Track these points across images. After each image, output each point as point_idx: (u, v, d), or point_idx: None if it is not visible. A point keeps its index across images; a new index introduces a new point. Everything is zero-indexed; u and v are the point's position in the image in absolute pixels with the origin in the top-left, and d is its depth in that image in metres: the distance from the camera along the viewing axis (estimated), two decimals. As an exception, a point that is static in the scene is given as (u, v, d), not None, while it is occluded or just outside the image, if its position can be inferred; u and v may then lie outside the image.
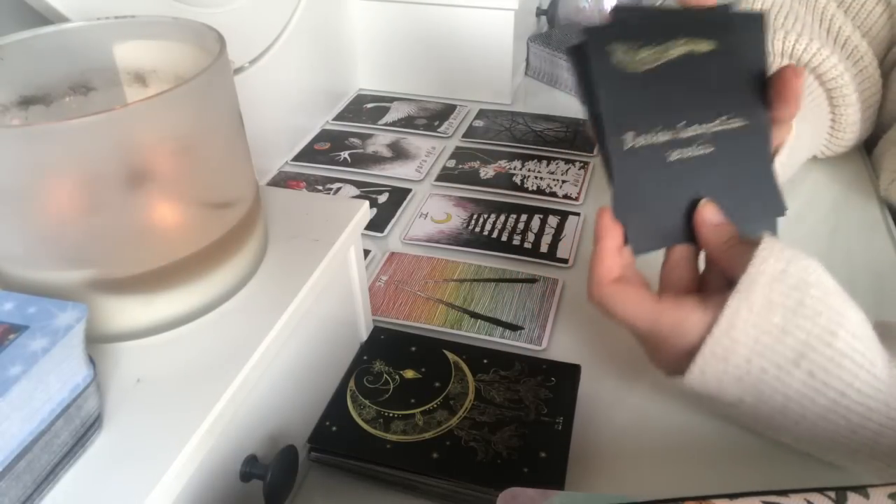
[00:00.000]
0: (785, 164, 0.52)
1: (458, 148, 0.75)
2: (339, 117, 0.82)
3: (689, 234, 0.39)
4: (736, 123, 0.39)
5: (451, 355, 0.44)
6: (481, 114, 0.82)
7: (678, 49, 0.37)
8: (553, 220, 0.62)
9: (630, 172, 0.38)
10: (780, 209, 0.40)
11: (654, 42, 0.37)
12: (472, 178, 0.69)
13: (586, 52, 0.36)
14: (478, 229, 0.61)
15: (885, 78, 0.67)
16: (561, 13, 0.97)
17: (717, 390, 0.36)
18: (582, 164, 0.71)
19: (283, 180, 0.69)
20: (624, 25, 0.36)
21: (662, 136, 0.38)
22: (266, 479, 0.33)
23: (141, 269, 0.30)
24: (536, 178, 0.68)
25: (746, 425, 0.41)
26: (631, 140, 0.38)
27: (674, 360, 0.37)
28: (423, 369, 0.43)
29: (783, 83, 0.38)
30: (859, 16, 0.67)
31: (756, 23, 0.38)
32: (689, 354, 0.36)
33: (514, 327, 0.50)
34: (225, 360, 0.30)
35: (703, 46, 0.38)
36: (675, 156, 0.38)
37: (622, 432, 0.42)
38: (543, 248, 0.58)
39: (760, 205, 0.40)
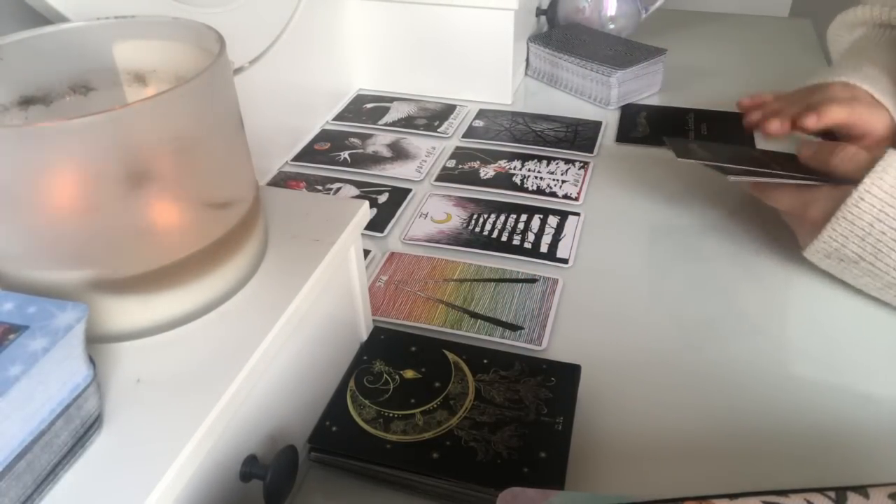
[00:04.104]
0: None
1: (458, 148, 0.75)
2: (339, 117, 0.82)
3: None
4: None
5: (451, 355, 0.44)
6: (481, 114, 0.82)
7: None
8: (553, 220, 0.62)
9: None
10: None
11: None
12: (472, 178, 0.69)
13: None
14: (478, 229, 0.61)
15: None
16: (561, 13, 0.97)
17: (840, 247, 0.48)
18: (582, 164, 0.71)
19: (283, 180, 0.69)
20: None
21: None
22: (266, 479, 0.33)
23: (141, 269, 0.30)
24: (536, 178, 0.68)
25: (863, 286, 0.51)
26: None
27: (808, 228, 0.51)
28: (423, 369, 0.43)
29: None
30: None
31: None
32: (822, 222, 0.49)
33: (514, 327, 0.50)
34: (225, 360, 0.30)
35: None
36: None
37: (622, 432, 0.42)
38: (543, 248, 0.58)
39: None
